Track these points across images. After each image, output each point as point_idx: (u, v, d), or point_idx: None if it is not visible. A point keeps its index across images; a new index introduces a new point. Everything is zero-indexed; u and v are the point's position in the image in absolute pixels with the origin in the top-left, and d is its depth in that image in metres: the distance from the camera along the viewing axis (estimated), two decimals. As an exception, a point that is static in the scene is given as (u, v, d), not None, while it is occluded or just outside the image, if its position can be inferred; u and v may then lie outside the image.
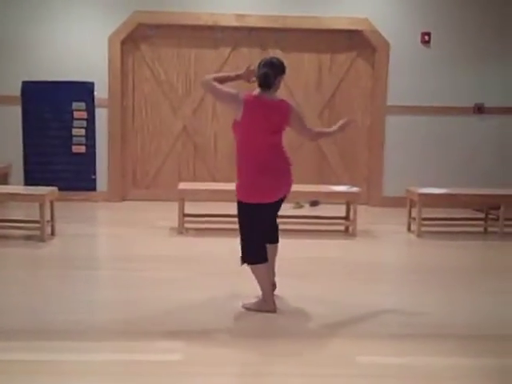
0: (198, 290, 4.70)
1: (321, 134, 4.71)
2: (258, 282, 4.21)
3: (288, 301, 4.46)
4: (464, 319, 4.26)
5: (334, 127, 4.43)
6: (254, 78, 4.21)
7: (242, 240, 4.16)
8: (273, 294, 4.25)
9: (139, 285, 4.86)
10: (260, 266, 4.16)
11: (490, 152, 8.50)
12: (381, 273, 5.50)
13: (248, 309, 4.23)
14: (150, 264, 5.45)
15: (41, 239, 6.04)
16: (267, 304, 4.20)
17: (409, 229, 6.91)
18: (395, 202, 7.96)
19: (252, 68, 4.27)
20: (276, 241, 4.43)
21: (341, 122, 4.42)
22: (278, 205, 4.26)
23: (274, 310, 4.18)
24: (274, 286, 4.40)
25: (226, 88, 4.11)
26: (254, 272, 4.20)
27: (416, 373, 3.40)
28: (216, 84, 4.10)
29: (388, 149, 8.47)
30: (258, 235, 4.14)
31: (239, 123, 4.06)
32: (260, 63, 4.13)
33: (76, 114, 8.24)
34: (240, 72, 4.32)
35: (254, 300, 4.29)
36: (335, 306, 4.41)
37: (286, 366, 3.47)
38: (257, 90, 4.12)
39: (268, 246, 4.24)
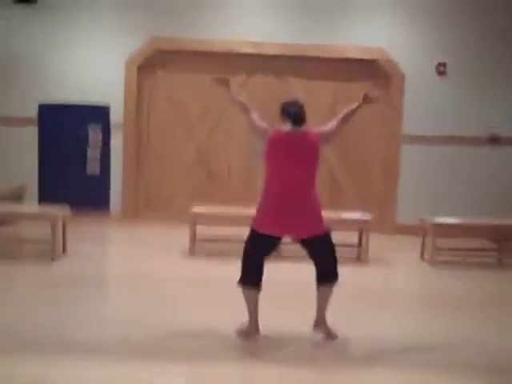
0: (205, 314, 4.67)
1: (345, 119, 4.32)
2: (246, 305, 4.20)
3: (290, 325, 4.42)
4: (474, 352, 4.18)
5: (356, 104, 4.36)
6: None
7: (241, 262, 4.21)
8: (256, 322, 4.19)
9: (147, 306, 4.84)
10: (245, 290, 4.17)
11: (505, 182, 8.42)
12: (390, 301, 5.43)
13: (238, 333, 4.21)
14: (159, 286, 5.43)
15: (52, 258, 6.04)
16: (249, 331, 4.19)
17: (422, 258, 6.84)
18: (409, 231, 7.89)
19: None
20: (322, 282, 4.23)
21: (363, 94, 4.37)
22: (306, 243, 4.18)
23: (253, 337, 4.17)
24: (327, 333, 4.26)
25: (262, 123, 4.21)
26: (243, 294, 4.21)
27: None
28: (255, 120, 4.24)
29: (402, 177, 8.43)
30: (251, 260, 4.16)
31: (268, 156, 4.12)
32: (284, 105, 4.23)
33: (91, 137, 8.30)
34: None
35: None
36: (344, 335, 4.34)
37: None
38: (287, 126, 4.13)
39: (317, 287, 4.24)
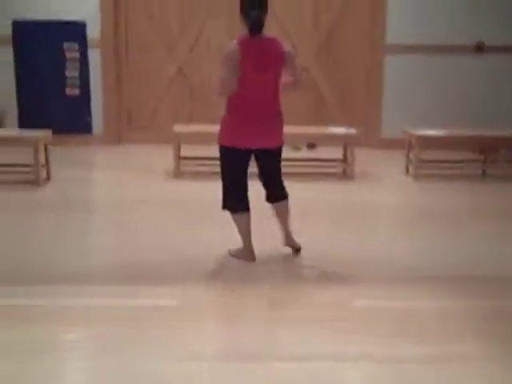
0: (192, 235, 4.68)
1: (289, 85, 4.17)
2: (237, 229, 4.14)
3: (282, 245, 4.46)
4: (458, 262, 4.26)
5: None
6: None
7: (223, 186, 4.08)
8: (251, 244, 4.14)
9: (134, 229, 4.85)
10: (237, 216, 4.09)
11: (491, 91, 8.34)
12: (376, 216, 5.49)
13: (232, 256, 4.21)
14: (146, 209, 5.42)
15: (36, 183, 6.00)
16: (245, 254, 4.15)
17: (407, 171, 6.86)
18: (394, 144, 7.87)
19: None
20: (280, 198, 4.21)
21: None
22: (266, 157, 4.09)
23: (252, 260, 4.14)
24: (294, 248, 4.26)
25: (227, 63, 3.85)
26: (233, 219, 4.13)
27: (408, 315, 3.43)
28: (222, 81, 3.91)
29: (387, 89, 8.32)
30: (236, 183, 4.04)
31: (240, 70, 3.85)
32: (244, 1, 3.87)
33: (68, 55, 8.05)
34: None
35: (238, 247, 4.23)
36: (329, 250, 4.41)
37: (281, 310, 3.49)
38: (245, 33, 3.88)
39: (274, 204, 4.20)
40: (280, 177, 4.24)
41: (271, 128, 4.02)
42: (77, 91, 8.14)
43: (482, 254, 4.45)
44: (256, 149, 4.01)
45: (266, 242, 4.35)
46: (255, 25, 3.83)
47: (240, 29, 3.95)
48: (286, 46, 4.01)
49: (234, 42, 3.88)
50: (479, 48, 8.22)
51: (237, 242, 4.20)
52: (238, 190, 4.06)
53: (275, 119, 4.03)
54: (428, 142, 6.73)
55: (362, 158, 6.99)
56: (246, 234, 4.13)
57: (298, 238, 4.31)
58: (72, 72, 8.09)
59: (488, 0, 8.12)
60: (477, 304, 3.59)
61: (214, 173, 6.34)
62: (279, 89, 4.03)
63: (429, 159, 6.79)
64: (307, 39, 8.37)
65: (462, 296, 3.69)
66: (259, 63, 3.86)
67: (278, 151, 4.14)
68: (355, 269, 4.10)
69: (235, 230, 4.16)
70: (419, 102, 8.29)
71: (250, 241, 4.16)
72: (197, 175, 6.52)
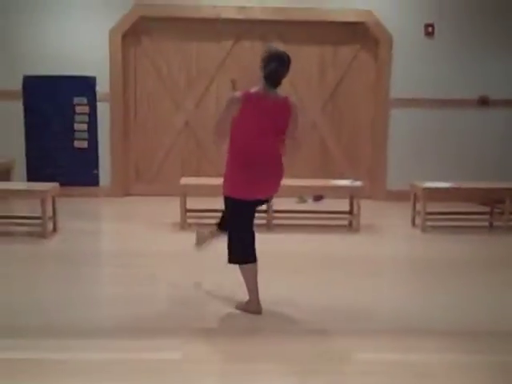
0: (198, 288, 4.66)
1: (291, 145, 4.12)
2: (245, 281, 4.10)
3: (287, 297, 4.43)
4: (465, 315, 4.22)
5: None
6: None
7: (230, 238, 4.04)
8: (258, 297, 4.09)
9: (140, 281, 4.83)
10: (246, 268, 4.05)
11: (495, 145, 8.42)
12: (382, 268, 5.46)
13: (239, 309, 4.17)
14: (151, 260, 5.42)
15: (42, 235, 6.01)
16: (252, 305, 4.11)
17: (413, 223, 6.85)
18: (399, 196, 7.90)
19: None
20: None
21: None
22: (259, 205, 4.11)
23: (258, 312, 4.09)
24: None
25: (227, 106, 3.90)
26: (241, 271, 4.09)
27: (411, 369, 3.37)
28: (218, 121, 3.93)
29: (391, 142, 8.40)
30: (247, 233, 4.02)
31: (240, 119, 3.86)
32: (267, 55, 3.90)
33: (78, 109, 8.19)
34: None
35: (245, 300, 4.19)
36: (334, 303, 4.37)
37: (285, 364, 3.44)
38: (260, 85, 3.92)
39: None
40: None
41: (275, 178, 4.03)
42: (85, 144, 8.25)
43: (489, 307, 4.40)
44: (264, 198, 4.05)
45: (272, 293, 4.32)
46: (272, 73, 3.86)
47: (248, 82, 4.02)
48: (295, 106, 4.03)
49: (239, 92, 3.93)
50: (483, 102, 8.32)
51: (243, 294, 4.18)
52: (245, 241, 4.02)
53: (277, 169, 4.03)
54: (434, 194, 6.73)
55: (368, 209, 6.99)
56: (253, 285, 4.10)
57: (303, 290, 4.28)
58: (81, 125, 8.21)
59: (491, 54, 8.26)
60: (481, 358, 3.54)
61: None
62: (282, 144, 4.02)
63: (435, 211, 6.79)
64: (314, 93, 8.51)
65: (467, 350, 3.64)
66: (271, 120, 3.88)
67: (270, 199, 4.19)
68: (359, 321, 4.06)
69: (241, 281, 4.14)
70: (424, 154, 8.37)
71: (257, 293, 4.11)
72: (203, 228, 6.50)
